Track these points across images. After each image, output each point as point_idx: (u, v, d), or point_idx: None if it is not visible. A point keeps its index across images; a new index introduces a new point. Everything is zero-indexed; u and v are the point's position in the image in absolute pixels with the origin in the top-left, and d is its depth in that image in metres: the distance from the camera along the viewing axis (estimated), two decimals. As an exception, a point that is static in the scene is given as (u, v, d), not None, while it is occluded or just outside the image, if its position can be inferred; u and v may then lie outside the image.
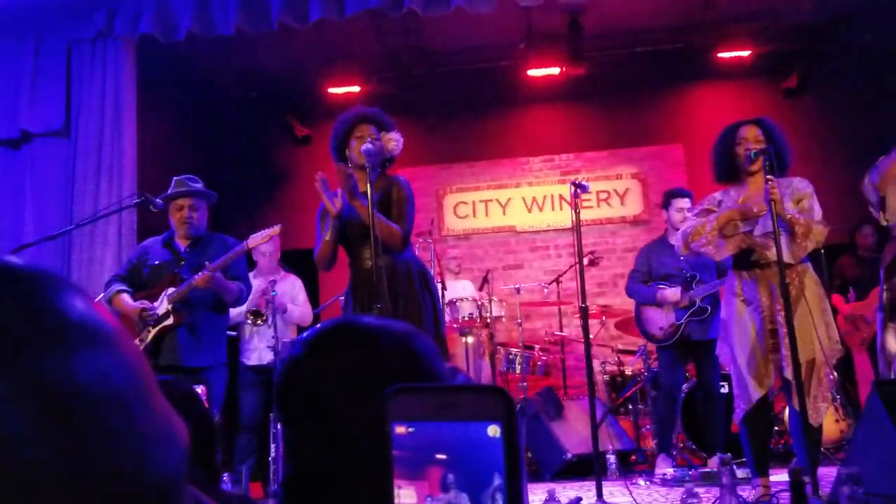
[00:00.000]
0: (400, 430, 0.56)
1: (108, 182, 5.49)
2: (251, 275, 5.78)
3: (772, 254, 3.62)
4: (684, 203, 5.21)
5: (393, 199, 3.71)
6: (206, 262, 4.15)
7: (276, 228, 4.25)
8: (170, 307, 4.20)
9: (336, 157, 3.84)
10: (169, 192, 4.43)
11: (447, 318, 6.06)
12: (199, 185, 4.48)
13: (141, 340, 4.18)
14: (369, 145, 3.59)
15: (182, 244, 4.42)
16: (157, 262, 4.37)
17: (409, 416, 0.56)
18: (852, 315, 5.94)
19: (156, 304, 4.23)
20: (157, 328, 4.19)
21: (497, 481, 0.55)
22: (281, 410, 0.97)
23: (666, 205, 5.33)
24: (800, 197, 3.71)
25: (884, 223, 3.87)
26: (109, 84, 5.64)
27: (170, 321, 4.19)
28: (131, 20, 5.58)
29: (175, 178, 4.46)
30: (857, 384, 6.38)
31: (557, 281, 6.88)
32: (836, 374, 5.54)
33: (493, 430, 0.56)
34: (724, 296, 3.88)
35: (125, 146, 5.51)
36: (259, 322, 5.31)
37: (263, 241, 4.26)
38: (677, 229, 5.16)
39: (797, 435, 3.66)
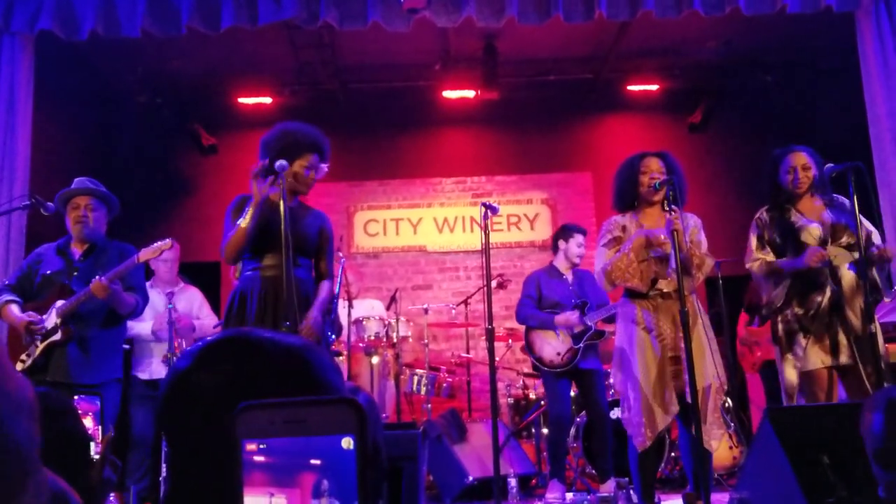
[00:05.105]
0: (251, 447, 0.52)
1: (-4, 181, 5.19)
2: (148, 284, 5.57)
3: (667, 283, 3.73)
4: (583, 239, 5.33)
5: (324, 236, 3.82)
6: (99, 274, 3.94)
7: (168, 242, 4.09)
8: (58, 321, 3.96)
9: (263, 169, 3.69)
10: (64, 190, 4.20)
11: (353, 337, 5.96)
12: (101, 189, 4.26)
13: (28, 355, 3.95)
14: (284, 163, 3.54)
15: (77, 251, 4.17)
16: (48, 272, 4.11)
17: (260, 433, 0.52)
18: (747, 339, 6.15)
19: (44, 316, 3.98)
20: (45, 343, 3.95)
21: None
22: (164, 426, 0.90)
23: (566, 237, 5.37)
24: (692, 231, 3.86)
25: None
26: (4, 80, 5.35)
27: (58, 336, 3.95)
28: (30, 16, 5.32)
29: (76, 178, 4.24)
30: (750, 411, 6.60)
31: (466, 303, 6.88)
32: (730, 401, 5.72)
33: (347, 443, 0.54)
34: (620, 323, 3.91)
35: (18, 145, 5.21)
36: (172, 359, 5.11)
37: (154, 255, 4.08)
38: (574, 263, 5.26)
39: (690, 461, 3.74)
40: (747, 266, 4.01)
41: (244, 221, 3.52)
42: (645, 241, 3.76)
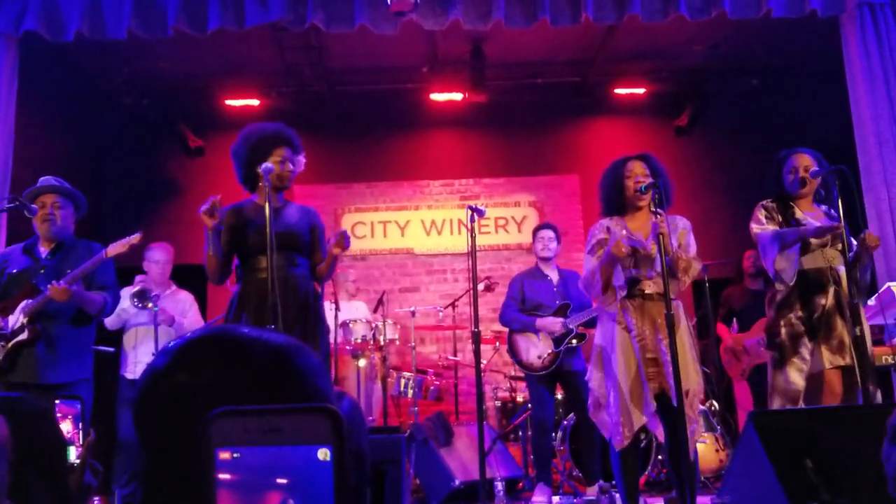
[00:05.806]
0: (224, 455, 0.50)
1: (-24, 183, 5.14)
2: (139, 287, 5.51)
3: (649, 285, 3.72)
4: (547, 234, 5.35)
5: (316, 232, 3.86)
6: (68, 271, 3.90)
7: (136, 237, 4.03)
8: (24, 320, 3.91)
9: (244, 173, 3.77)
10: (30, 188, 4.14)
11: (340, 339, 5.94)
12: (66, 186, 4.20)
13: None
14: (269, 165, 3.60)
15: (44, 249, 4.11)
16: (14, 271, 4.06)
17: (234, 441, 0.50)
18: (733, 347, 6.15)
19: (10, 317, 3.94)
20: (11, 343, 3.91)
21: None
22: (137, 428, 0.84)
23: (533, 238, 5.45)
24: (681, 234, 3.84)
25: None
26: (-12, 81, 5.30)
27: (24, 336, 3.91)
28: (15, 16, 5.27)
29: (40, 178, 4.18)
30: (737, 414, 6.61)
31: (453, 305, 6.86)
32: (716, 404, 5.73)
33: (324, 454, 0.52)
34: (602, 322, 3.89)
35: (-1, 146, 5.17)
36: (148, 304, 5.03)
37: (123, 250, 4.01)
38: (543, 257, 5.26)
39: (673, 464, 3.74)
40: (754, 229, 3.98)
41: (210, 249, 3.63)
42: (621, 250, 3.68)
